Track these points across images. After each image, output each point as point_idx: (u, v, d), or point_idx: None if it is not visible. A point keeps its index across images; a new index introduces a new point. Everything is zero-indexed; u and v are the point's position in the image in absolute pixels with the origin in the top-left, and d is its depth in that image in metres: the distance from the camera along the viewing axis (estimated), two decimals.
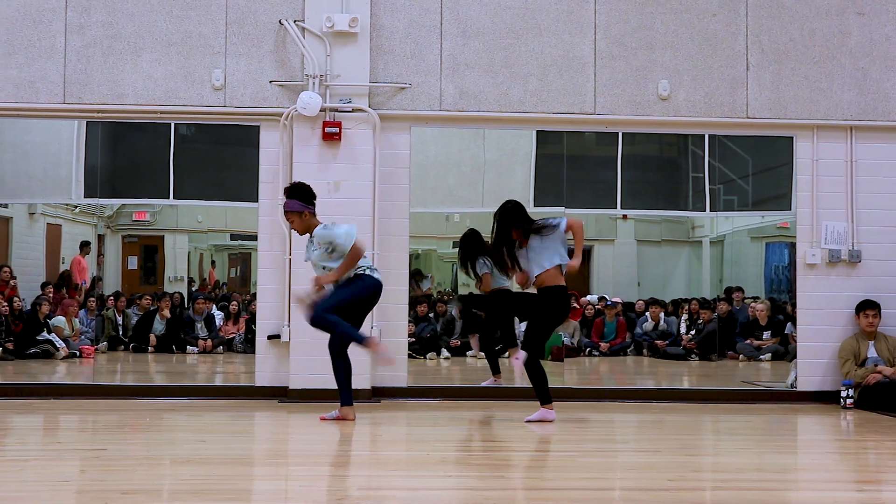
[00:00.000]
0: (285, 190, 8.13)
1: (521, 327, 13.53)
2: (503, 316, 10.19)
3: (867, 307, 9.62)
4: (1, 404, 8.98)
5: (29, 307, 13.16)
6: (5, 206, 14.11)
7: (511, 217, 8.11)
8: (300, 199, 7.98)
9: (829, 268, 9.86)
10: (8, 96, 9.51)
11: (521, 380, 9.38)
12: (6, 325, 12.60)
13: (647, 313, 14.09)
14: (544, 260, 8.07)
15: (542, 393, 8.16)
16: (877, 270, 9.83)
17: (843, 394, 9.37)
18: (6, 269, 13.52)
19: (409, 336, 10.67)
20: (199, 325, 14.05)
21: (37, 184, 13.79)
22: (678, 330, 13.97)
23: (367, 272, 7.97)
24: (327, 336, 9.31)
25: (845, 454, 7.50)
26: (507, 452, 7.09)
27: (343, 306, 7.90)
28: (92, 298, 13.82)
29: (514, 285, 9.60)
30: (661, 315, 14.11)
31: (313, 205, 8.03)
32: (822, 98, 9.89)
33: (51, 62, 9.52)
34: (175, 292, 14.58)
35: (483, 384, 10.29)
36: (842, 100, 9.88)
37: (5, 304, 12.60)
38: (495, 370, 10.44)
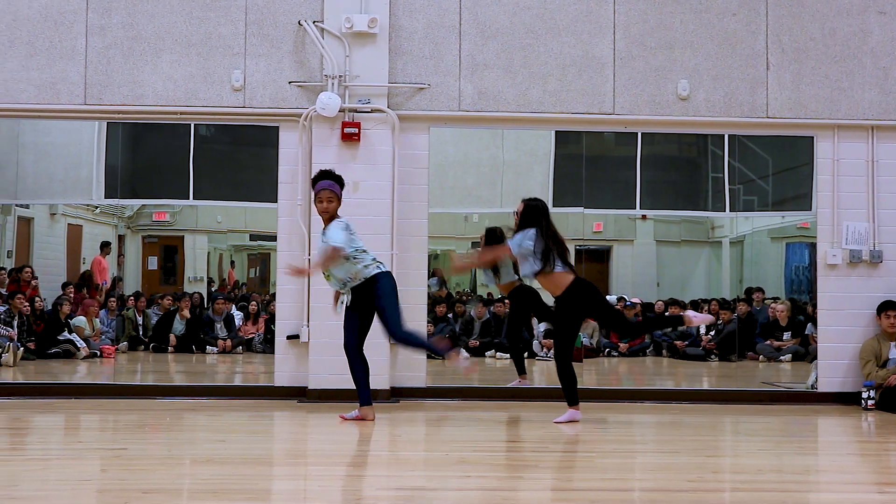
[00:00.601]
0: (323, 172, 8.10)
1: (540, 327, 13.52)
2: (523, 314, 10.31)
3: (889, 308, 9.56)
4: (22, 404, 9.05)
5: (50, 307, 13.24)
6: (27, 206, 14.20)
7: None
8: (339, 183, 8.06)
9: (850, 268, 9.80)
10: (29, 97, 9.57)
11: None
12: (28, 324, 12.68)
13: (666, 314, 14.04)
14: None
15: (570, 394, 8.20)
16: None
17: (865, 395, 9.31)
18: (28, 269, 13.60)
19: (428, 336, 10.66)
20: (218, 326, 14.10)
21: (58, 184, 13.88)
22: (698, 331, 13.92)
23: (382, 268, 8.04)
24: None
25: (866, 456, 7.45)
26: (526, 453, 7.09)
27: (399, 309, 8.02)
28: (112, 298, 13.90)
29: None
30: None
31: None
32: (842, 97, 9.84)
33: (72, 63, 9.58)
34: (195, 292, 14.64)
35: (510, 385, 10.29)
36: (863, 99, 9.83)
37: (27, 304, 12.68)
38: (521, 370, 10.43)
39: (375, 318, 8.06)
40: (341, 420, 8.00)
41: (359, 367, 8.06)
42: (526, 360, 10.90)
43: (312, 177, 8.29)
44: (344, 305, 8.06)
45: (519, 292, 10.50)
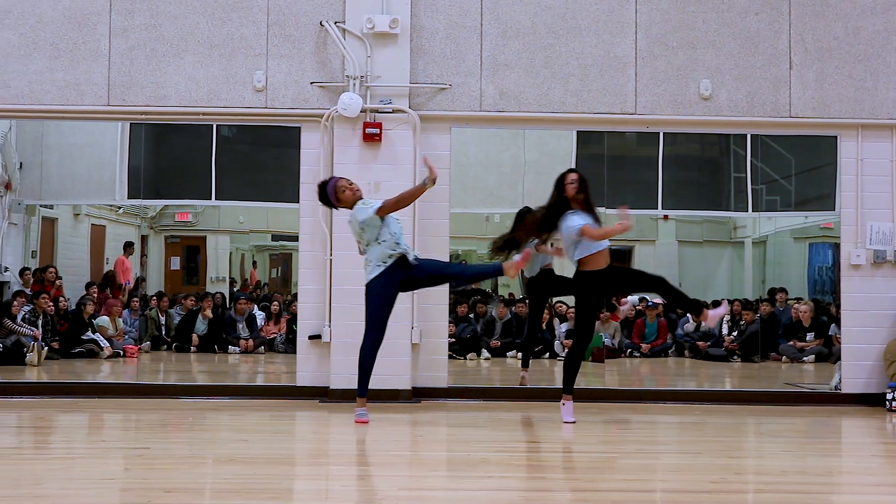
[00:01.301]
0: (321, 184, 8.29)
1: (561, 328, 13.50)
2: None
3: None
4: (47, 403, 9.11)
5: (74, 307, 13.33)
6: (51, 207, 14.31)
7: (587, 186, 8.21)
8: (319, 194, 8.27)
9: (874, 268, 9.73)
10: (53, 99, 9.63)
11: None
12: (52, 324, 12.77)
13: (688, 314, 14.00)
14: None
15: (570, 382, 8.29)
16: None
17: (889, 396, 9.25)
18: (52, 269, 13.71)
19: (450, 337, 10.66)
20: (240, 326, 14.16)
21: (81, 185, 13.98)
22: (720, 331, 13.86)
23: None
24: None
25: (891, 457, 7.41)
26: (548, 453, 7.08)
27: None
28: (135, 298, 13.97)
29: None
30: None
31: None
32: (866, 97, 9.77)
33: (95, 65, 9.63)
34: (217, 292, 14.70)
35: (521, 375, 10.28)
36: (887, 98, 9.76)
37: (51, 303, 12.76)
38: (525, 364, 10.35)
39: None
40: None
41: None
42: (547, 361, 10.93)
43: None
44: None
45: (538, 279, 10.30)
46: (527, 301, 11.41)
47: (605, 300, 13.82)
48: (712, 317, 8.27)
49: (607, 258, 8.13)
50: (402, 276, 7.90)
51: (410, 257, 7.93)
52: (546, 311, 13.64)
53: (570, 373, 8.18)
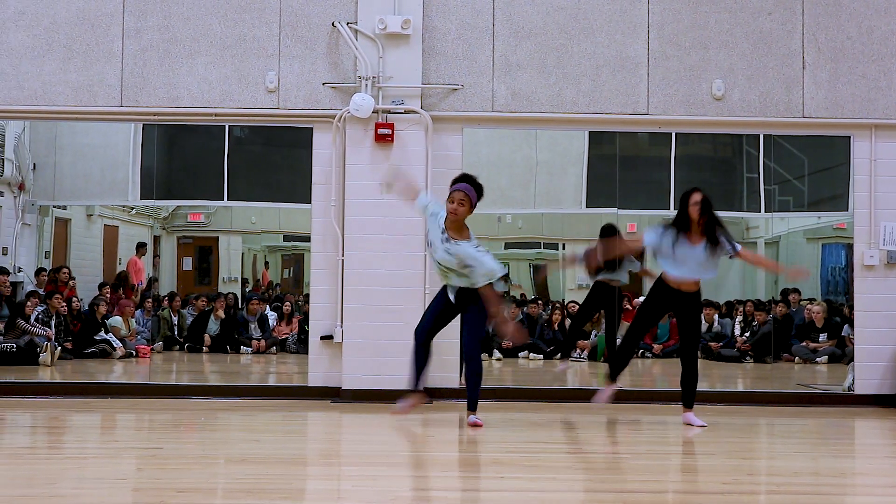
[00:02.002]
0: (466, 177, 7.85)
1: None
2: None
3: None
4: (60, 403, 9.14)
5: (87, 307, 13.37)
6: (64, 207, 14.36)
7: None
8: (478, 192, 7.81)
9: (888, 269, 9.70)
10: (66, 100, 9.66)
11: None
12: (65, 324, 12.81)
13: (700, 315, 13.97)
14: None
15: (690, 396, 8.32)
16: None
17: None
18: (65, 269, 13.75)
19: None
20: (252, 326, 14.18)
21: (94, 186, 14.03)
22: (732, 332, 13.83)
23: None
24: (379, 337, 9.39)
25: None
26: (560, 454, 7.07)
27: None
28: (148, 299, 14.01)
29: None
30: (715, 317, 13.98)
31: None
32: (880, 97, 9.74)
33: (108, 66, 9.66)
34: (229, 293, 14.73)
35: (558, 369, 10.94)
36: None
37: (64, 304, 12.81)
38: (566, 354, 11.32)
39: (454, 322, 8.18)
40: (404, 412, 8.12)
41: (422, 354, 8.00)
42: (558, 361, 10.99)
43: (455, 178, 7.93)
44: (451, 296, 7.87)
45: (604, 288, 11.12)
46: (578, 304, 12.24)
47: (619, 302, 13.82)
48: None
49: (697, 285, 8.03)
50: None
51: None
52: (558, 311, 13.64)
53: (618, 363, 8.42)
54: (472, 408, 7.93)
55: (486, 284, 7.66)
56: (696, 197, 7.88)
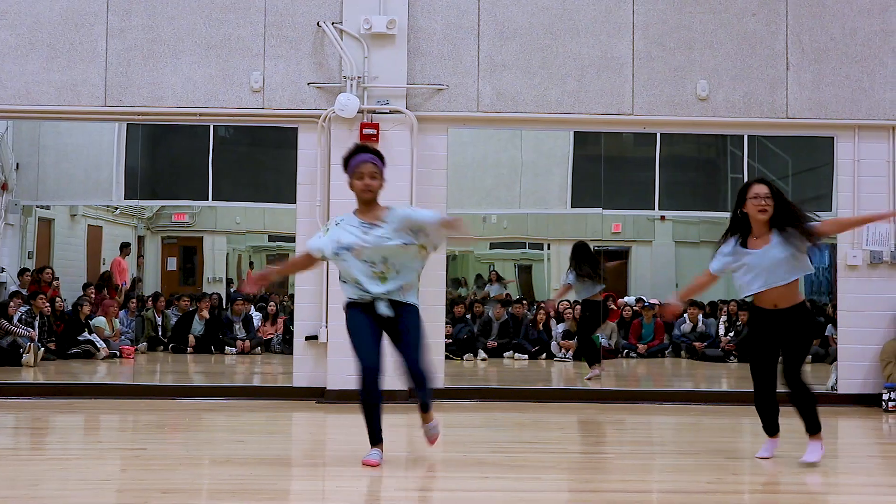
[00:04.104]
0: (363, 147, 6.49)
1: (558, 328, 13.50)
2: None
3: None
4: (43, 404, 9.10)
5: (70, 308, 13.31)
6: (47, 207, 14.29)
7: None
8: (383, 163, 6.38)
9: (871, 269, 9.74)
10: (50, 99, 9.62)
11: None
12: (48, 325, 12.76)
13: (684, 315, 14.00)
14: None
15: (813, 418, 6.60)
16: None
17: (885, 397, 9.26)
18: (48, 270, 13.69)
19: (447, 337, 10.67)
20: (237, 326, 14.14)
21: (78, 186, 13.97)
22: (717, 332, 13.87)
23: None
24: None
25: (887, 458, 7.41)
26: (544, 454, 7.07)
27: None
28: (132, 300, 13.96)
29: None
30: (700, 317, 14.02)
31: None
32: (863, 97, 9.78)
33: (92, 65, 9.62)
34: (213, 293, 14.69)
35: (587, 377, 11.16)
36: (884, 99, 9.76)
37: (47, 304, 12.75)
38: (595, 361, 11.44)
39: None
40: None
41: (378, 392, 6.26)
42: (544, 361, 11.06)
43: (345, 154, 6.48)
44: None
45: (591, 303, 11.71)
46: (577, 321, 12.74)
47: (604, 304, 13.87)
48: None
49: (794, 296, 6.42)
50: None
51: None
52: (542, 311, 13.66)
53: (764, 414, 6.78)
54: (427, 409, 6.52)
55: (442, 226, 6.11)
56: (759, 189, 6.38)
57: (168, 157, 12.92)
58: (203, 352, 13.76)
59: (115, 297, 13.93)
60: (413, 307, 6.26)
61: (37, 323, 12.41)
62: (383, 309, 6.13)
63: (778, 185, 6.44)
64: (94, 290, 13.75)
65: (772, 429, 6.71)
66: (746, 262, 6.35)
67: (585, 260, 11.47)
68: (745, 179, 12.34)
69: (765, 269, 6.30)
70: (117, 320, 13.41)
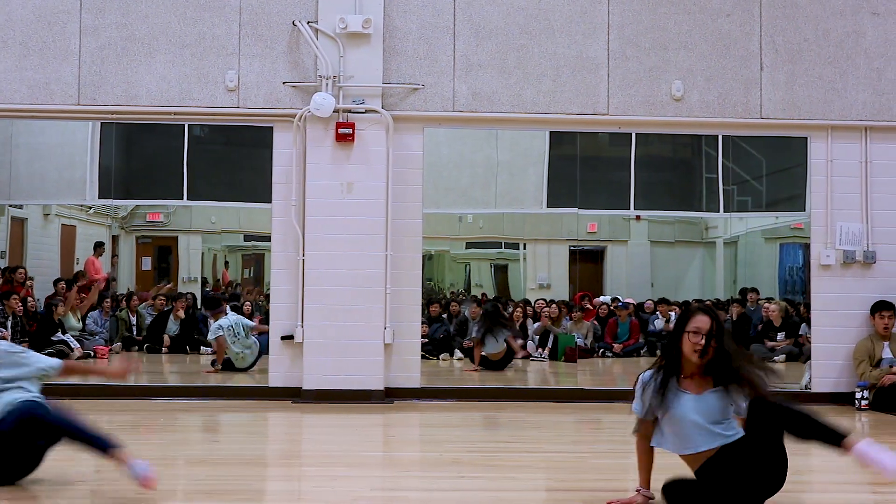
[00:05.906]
0: None
1: (534, 327, 13.51)
2: None
3: (883, 308, 9.58)
4: None
5: (43, 308, 13.21)
6: (20, 207, 14.17)
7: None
8: None
9: (844, 269, 9.81)
10: (23, 98, 9.54)
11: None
12: (21, 325, 12.65)
13: (657, 312, 14.07)
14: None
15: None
16: (892, 271, 9.77)
17: (858, 395, 9.33)
18: (21, 269, 13.57)
19: (423, 337, 10.67)
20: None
21: (51, 185, 13.86)
22: None
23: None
24: (340, 337, 9.35)
25: None
26: (520, 453, 7.08)
27: None
28: (106, 299, 13.87)
29: None
30: (672, 314, 14.06)
31: None
32: (836, 98, 9.85)
33: (65, 64, 9.56)
34: (188, 293, 14.62)
35: None
36: (856, 100, 9.84)
37: (20, 304, 12.64)
38: None
39: None
40: None
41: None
42: (520, 361, 11.05)
43: None
44: None
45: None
46: None
47: (578, 301, 13.90)
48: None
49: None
50: None
51: None
52: (519, 309, 13.68)
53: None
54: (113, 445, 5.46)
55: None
56: (700, 322, 4.91)
57: (142, 156, 12.84)
58: (178, 352, 13.69)
59: (87, 296, 13.82)
60: None
61: (9, 323, 12.30)
62: None
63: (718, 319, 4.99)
64: (64, 287, 13.64)
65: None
66: (673, 413, 4.97)
67: (496, 323, 12.29)
68: (720, 179, 12.46)
69: (694, 426, 4.96)
70: (91, 320, 13.30)
